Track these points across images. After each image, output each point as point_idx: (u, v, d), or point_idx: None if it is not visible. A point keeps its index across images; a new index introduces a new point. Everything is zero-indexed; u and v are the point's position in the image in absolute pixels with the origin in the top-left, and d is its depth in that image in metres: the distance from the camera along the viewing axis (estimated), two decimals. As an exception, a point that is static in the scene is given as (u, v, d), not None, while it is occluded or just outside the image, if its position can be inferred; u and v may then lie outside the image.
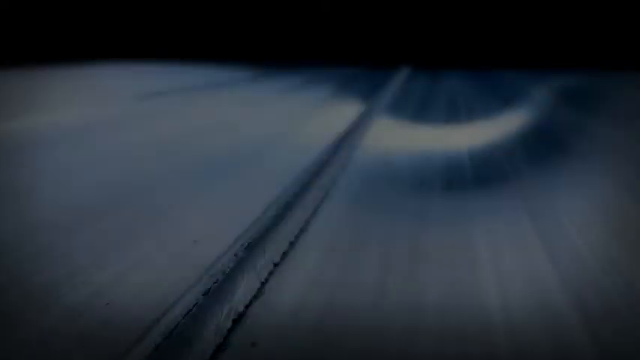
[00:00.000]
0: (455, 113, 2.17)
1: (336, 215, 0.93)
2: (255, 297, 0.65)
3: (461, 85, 3.12)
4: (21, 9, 4.44)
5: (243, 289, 0.66)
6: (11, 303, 0.63)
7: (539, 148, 1.47)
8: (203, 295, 0.64)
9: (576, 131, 1.72)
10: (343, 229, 0.86)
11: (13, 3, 4.44)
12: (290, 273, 0.71)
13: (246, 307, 0.62)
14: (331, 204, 0.98)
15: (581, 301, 0.61)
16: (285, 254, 0.77)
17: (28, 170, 1.21)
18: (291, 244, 0.80)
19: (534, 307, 0.60)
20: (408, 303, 0.62)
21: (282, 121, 1.90)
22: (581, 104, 2.43)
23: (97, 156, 1.34)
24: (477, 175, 1.16)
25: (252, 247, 0.77)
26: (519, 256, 0.73)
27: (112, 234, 0.83)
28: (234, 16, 4.62)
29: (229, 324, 0.59)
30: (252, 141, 1.55)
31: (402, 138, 1.64)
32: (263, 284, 0.68)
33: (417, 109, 2.25)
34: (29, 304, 0.63)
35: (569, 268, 0.69)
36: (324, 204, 0.98)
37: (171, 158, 1.33)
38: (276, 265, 0.73)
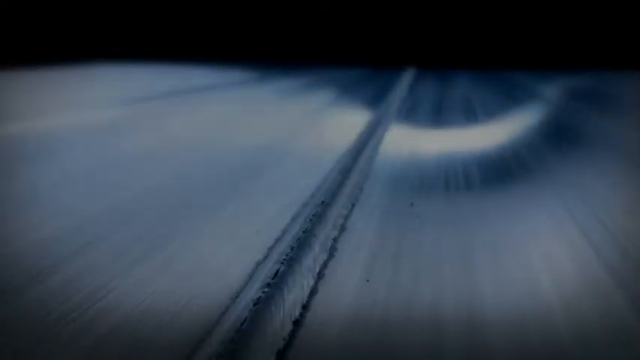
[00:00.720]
0: (472, 114, 2.00)
1: (347, 279, 0.64)
2: None
3: (470, 86, 2.93)
4: (21, 9, 4.23)
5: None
6: None
7: (564, 145, 1.43)
8: None
9: (594, 129, 1.66)
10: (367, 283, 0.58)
11: (13, 3, 4.26)
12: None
13: None
14: (341, 255, 0.69)
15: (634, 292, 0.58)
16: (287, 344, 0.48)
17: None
18: (295, 324, 0.51)
19: (593, 305, 0.56)
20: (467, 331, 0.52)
21: (282, 130, 1.58)
22: (593, 103, 2.35)
23: (57, 176, 1.05)
24: (510, 175, 1.10)
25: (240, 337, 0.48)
26: (569, 253, 0.69)
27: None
28: (232, 16, 4.39)
29: None
30: (245, 157, 1.23)
31: (423, 142, 1.43)
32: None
33: (432, 112, 2.02)
34: None
35: (617, 263, 0.65)
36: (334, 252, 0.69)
37: (140, 179, 1.03)
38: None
